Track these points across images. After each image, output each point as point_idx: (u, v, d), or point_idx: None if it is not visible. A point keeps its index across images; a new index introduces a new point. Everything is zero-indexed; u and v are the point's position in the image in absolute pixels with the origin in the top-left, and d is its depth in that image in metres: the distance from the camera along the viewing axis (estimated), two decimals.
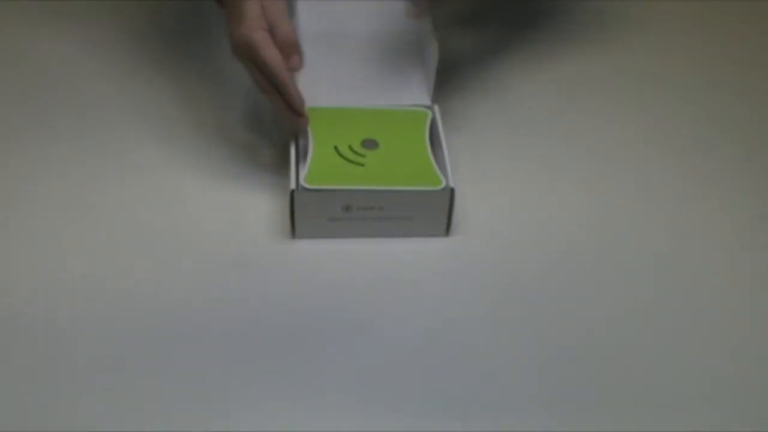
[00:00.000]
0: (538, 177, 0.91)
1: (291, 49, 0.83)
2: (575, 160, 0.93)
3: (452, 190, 0.81)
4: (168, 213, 0.85)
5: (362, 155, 0.84)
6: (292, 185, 0.80)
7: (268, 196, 0.87)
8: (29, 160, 0.90)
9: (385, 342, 0.76)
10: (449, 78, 0.97)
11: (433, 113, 0.89)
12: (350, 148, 0.84)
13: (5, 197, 0.86)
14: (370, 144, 0.85)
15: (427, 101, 0.91)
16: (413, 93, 0.92)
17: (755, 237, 0.86)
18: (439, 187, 0.81)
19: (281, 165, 0.87)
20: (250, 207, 0.86)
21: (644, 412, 0.71)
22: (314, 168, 0.82)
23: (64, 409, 0.70)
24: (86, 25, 1.07)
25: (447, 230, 0.84)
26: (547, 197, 0.89)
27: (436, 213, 0.83)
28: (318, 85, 0.90)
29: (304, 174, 0.81)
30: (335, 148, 0.84)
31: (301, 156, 0.84)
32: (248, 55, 0.81)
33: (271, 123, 0.94)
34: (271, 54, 0.81)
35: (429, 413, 0.71)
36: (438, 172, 0.82)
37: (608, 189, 0.90)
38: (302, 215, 0.82)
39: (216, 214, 0.85)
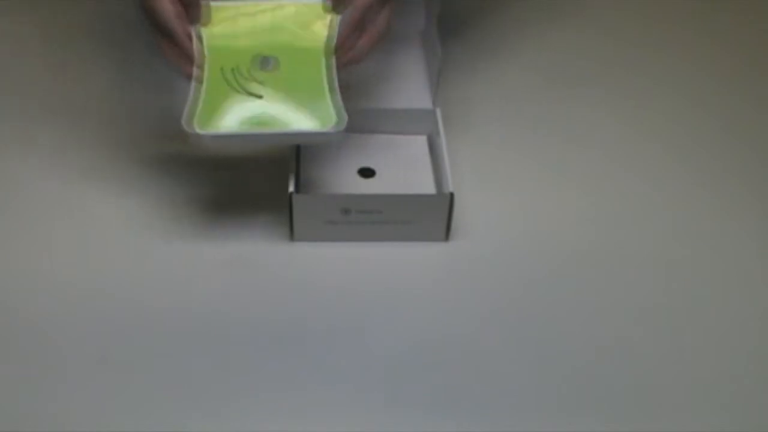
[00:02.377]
0: (540, 181, 0.90)
1: (188, 6, 0.78)
2: (577, 165, 0.92)
3: (452, 195, 0.81)
4: (168, 215, 0.85)
5: (252, 81, 0.76)
6: (291, 188, 0.80)
7: (267, 198, 0.86)
8: (25, 165, 0.90)
9: (383, 346, 0.75)
10: (451, 82, 0.97)
11: (435, 116, 0.88)
12: (240, 71, 0.76)
13: (5, 198, 0.86)
14: (263, 63, 0.77)
15: (429, 104, 0.91)
16: (415, 96, 0.92)
17: (760, 237, 0.85)
18: (330, 125, 0.74)
19: (281, 167, 0.87)
20: (249, 209, 0.86)
21: (646, 415, 0.71)
22: (199, 103, 0.74)
23: (65, 410, 0.70)
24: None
25: (447, 235, 0.83)
26: (548, 202, 0.88)
27: (435, 217, 0.82)
28: None
29: (186, 113, 0.74)
30: (223, 71, 0.76)
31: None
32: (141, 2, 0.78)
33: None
34: (161, 7, 0.77)
35: (427, 417, 0.71)
36: (331, 104, 0.75)
37: (611, 193, 0.89)
38: (301, 218, 0.81)
39: (215, 216, 0.85)
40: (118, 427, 0.69)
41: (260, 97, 0.76)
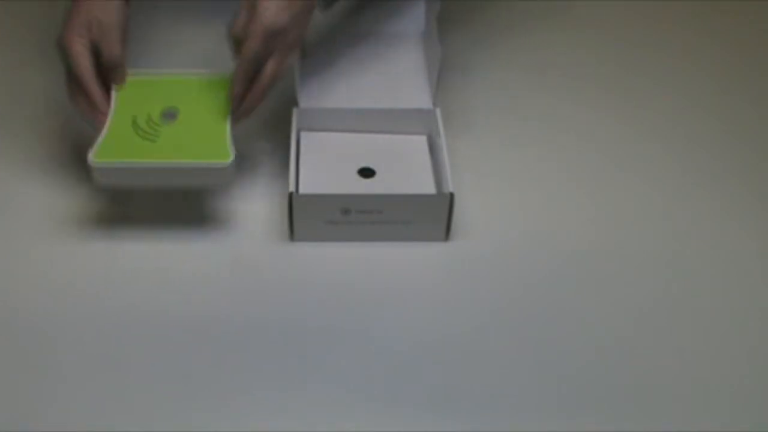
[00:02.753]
0: (540, 182, 0.90)
1: (110, 69, 0.82)
2: (577, 165, 0.92)
3: (452, 195, 0.81)
4: (168, 215, 0.85)
5: (157, 128, 0.82)
6: (291, 188, 0.80)
7: (267, 198, 0.86)
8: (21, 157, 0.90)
9: (383, 345, 0.75)
10: (451, 82, 0.97)
11: (435, 116, 0.88)
12: (148, 121, 0.82)
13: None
14: (168, 116, 0.83)
15: (429, 104, 0.91)
16: (415, 96, 0.92)
17: (760, 237, 0.85)
18: (226, 161, 0.79)
19: (281, 167, 0.87)
20: (250, 209, 0.86)
21: (646, 415, 0.71)
22: (106, 143, 0.80)
23: (65, 410, 0.70)
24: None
25: (446, 235, 0.83)
26: (548, 202, 0.88)
27: (435, 218, 0.82)
28: (319, 85, 0.90)
29: (94, 149, 0.79)
30: (133, 120, 0.82)
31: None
32: (62, 57, 0.81)
33: (272, 127, 0.94)
34: (78, 65, 0.80)
35: (427, 415, 0.71)
36: (229, 144, 0.80)
37: (611, 193, 0.89)
38: (301, 218, 0.81)
39: (216, 216, 0.85)
40: (118, 427, 0.69)
41: (162, 140, 0.81)
